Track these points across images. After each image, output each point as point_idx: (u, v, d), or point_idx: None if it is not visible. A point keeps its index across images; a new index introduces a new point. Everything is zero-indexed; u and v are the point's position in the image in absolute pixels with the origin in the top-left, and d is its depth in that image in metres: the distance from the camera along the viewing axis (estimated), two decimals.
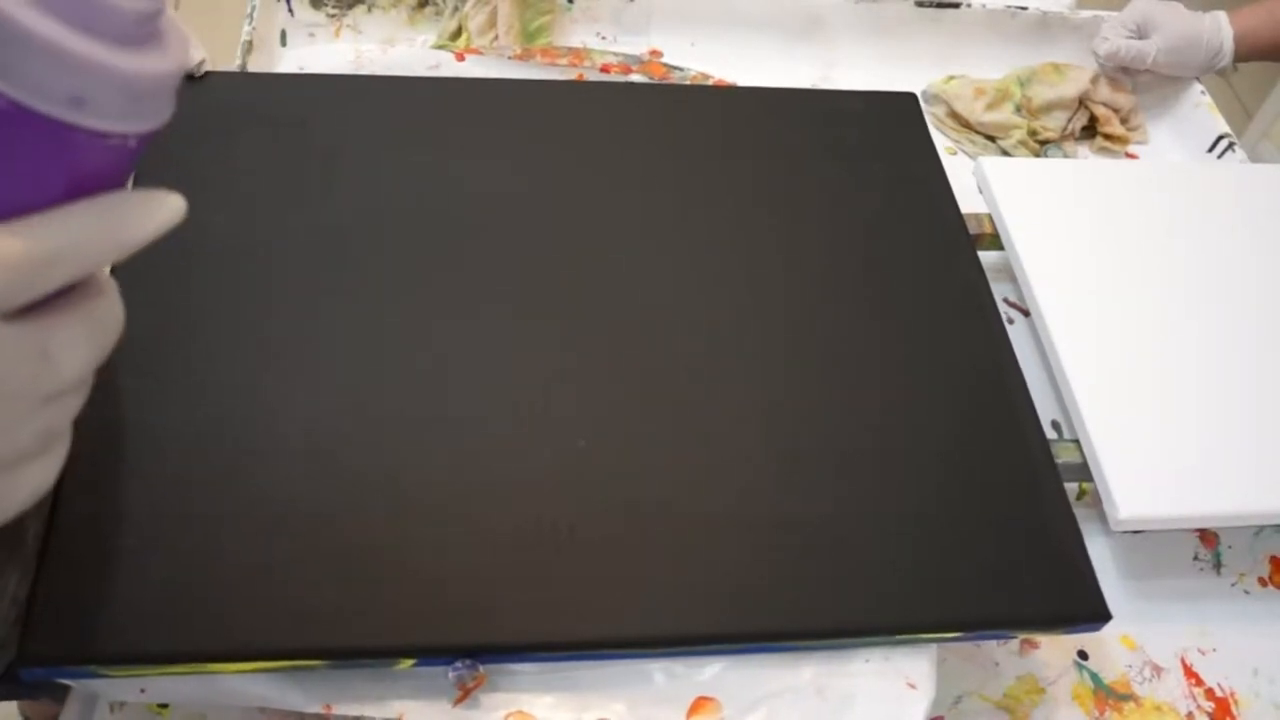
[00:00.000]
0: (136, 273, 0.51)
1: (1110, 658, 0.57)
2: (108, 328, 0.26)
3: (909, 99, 0.68)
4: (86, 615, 0.41)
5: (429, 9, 0.81)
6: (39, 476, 0.26)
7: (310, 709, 0.43)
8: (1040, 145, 0.83)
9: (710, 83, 0.81)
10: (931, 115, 0.84)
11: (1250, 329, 0.63)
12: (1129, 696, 0.55)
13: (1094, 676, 0.56)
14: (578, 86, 0.72)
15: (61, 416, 0.26)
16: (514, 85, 0.67)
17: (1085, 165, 0.79)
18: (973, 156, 0.81)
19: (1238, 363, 0.61)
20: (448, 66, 0.77)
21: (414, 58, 0.78)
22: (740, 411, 0.51)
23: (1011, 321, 0.69)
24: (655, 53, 0.83)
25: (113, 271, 0.50)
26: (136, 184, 0.57)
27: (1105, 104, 0.84)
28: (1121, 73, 0.85)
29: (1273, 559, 0.62)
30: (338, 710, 0.43)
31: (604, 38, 0.84)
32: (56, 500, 0.43)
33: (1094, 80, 0.83)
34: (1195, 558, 0.61)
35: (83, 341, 0.26)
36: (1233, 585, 0.61)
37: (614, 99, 0.66)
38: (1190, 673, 0.57)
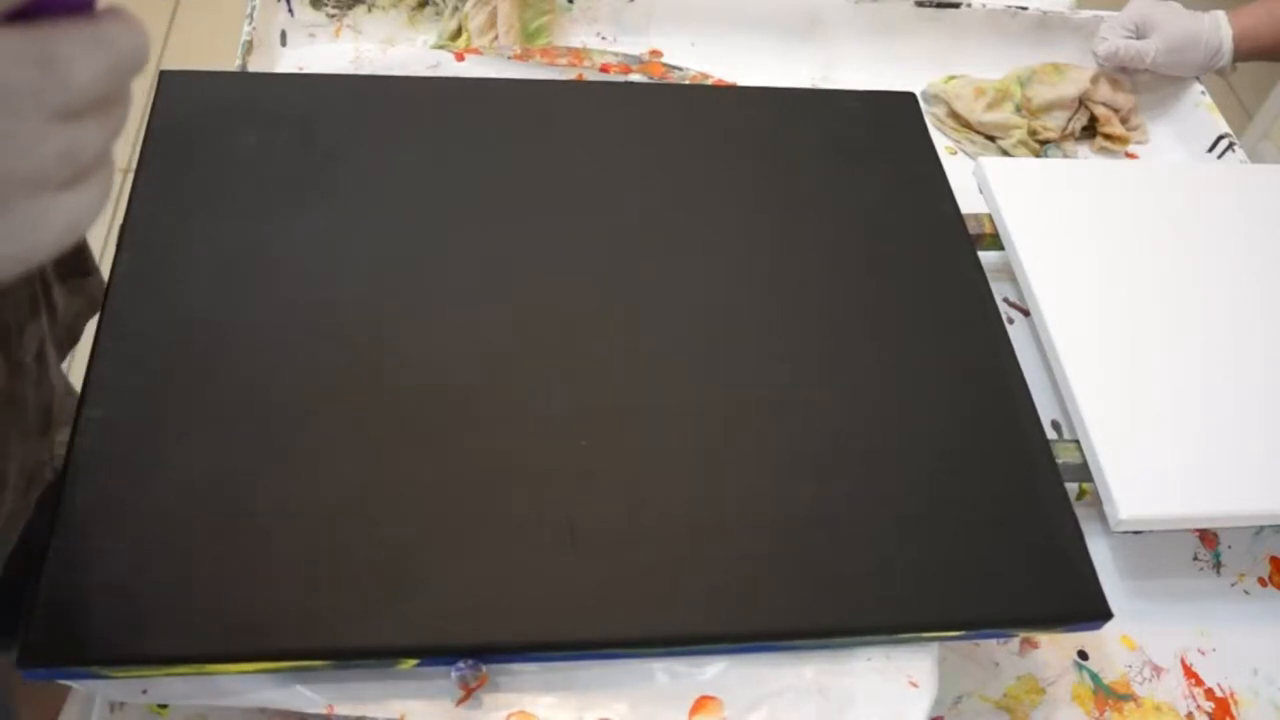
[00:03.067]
0: (137, 272, 0.51)
1: (1110, 658, 0.57)
2: (121, 48, 0.26)
3: (909, 99, 0.68)
4: (87, 616, 0.41)
5: (429, 9, 0.81)
6: (71, 211, 0.26)
7: (312, 709, 0.43)
8: (1040, 145, 0.83)
9: (710, 83, 0.81)
10: (931, 115, 0.84)
11: (1250, 329, 0.63)
12: (1129, 696, 0.55)
13: (1094, 676, 0.56)
14: (578, 86, 0.72)
15: (84, 141, 0.26)
16: (514, 85, 0.67)
17: (1085, 165, 0.79)
18: (973, 156, 0.81)
19: (1238, 363, 0.61)
20: (448, 66, 0.77)
21: (414, 58, 0.78)
22: (741, 411, 0.51)
23: (1011, 321, 0.69)
24: (655, 53, 0.83)
25: (113, 270, 0.50)
26: (138, 179, 0.57)
27: (1105, 104, 0.84)
28: (1121, 73, 0.85)
29: (1273, 559, 0.62)
30: (340, 710, 0.43)
31: (604, 38, 0.84)
32: (58, 500, 0.43)
33: (1094, 80, 0.83)
34: (1195, 558, 0.61)
35: (90, 52, 0.25)
36: (1233, 585, 0.61)
37: (614, 99, 0.66)
38: (1190, 673, 0.57)
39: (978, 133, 0.83)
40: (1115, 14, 0.86)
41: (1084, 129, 0.84)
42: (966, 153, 0.82)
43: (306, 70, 0.76)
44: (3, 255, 0.25)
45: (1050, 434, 0.54)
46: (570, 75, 0.80)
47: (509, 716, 0.44)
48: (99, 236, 1.36)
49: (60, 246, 0.26)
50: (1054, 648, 0.56)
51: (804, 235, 0.59)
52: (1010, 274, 0.68)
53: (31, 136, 0.25)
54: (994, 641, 0.56)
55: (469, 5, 0.80)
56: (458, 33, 0.80)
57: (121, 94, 0.27)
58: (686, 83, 0.81)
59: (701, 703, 0.45)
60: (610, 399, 0.50)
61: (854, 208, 0.61)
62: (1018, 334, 0.65)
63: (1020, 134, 0.82)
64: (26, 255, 0.26)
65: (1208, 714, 0.56)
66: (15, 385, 0.43)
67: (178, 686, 0.43)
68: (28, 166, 0.25)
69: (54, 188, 0.26)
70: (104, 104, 0.26)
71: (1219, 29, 0.82)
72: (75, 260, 0.53)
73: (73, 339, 0.48)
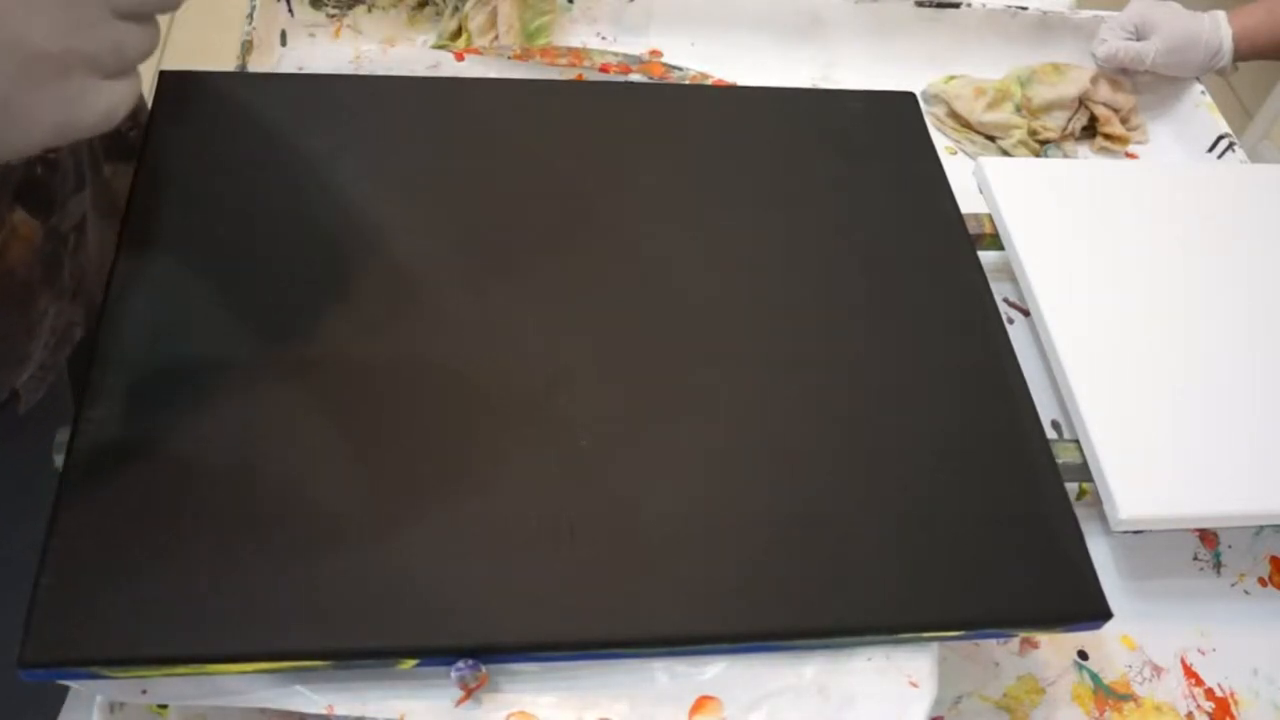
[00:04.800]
0: (138, 271, 0.51)
1: (1110, 658, 0.57)
2: None
3: (909, 99, 0.68)
4: (87, 617, 0.41)
5: (429, 9, 0.81)
6: (111, 97, 0.33)
7: (312, 709, 0.43)
8: (1040, 145, 0.83)
9: (710, 83, 0.81)
10: (931, 115, 0.84)
11: (1250, 329, 0.63)
12: (1129, 696, 0.55)
13: (1094, 676, 0.56)
14: (578, 86, 0.72)
15: (130, 39, 0.33)
16: (514, 85, 0.67)
17: (1085, 165, 0.79)
18: (973, 156, 0.81)
19: (1238, 362, 0.61)
20: (448, 66, 0.77)
21: (414, 58, 0.78)
22: (741, 411, 0.51)
23: (1011, 321, 0.69)
24: (655, 53, 0.83)
25: (113, 270, 0.50)
26: (138, 179, 0.58)
27: (1105, 104, 0.84)
28: (1121, 73, 0.85)
29: (1273, 559, 0.62)
30: (340, 710, 0.43)
31: (604, 38, 0.84)
32: (58, 500, 0.43)
33: (1094, 80, 0.84)
34: (1195, 558, 0.62)
35: None
36: (1233, 585, 0.61)
37: (614, 99, 0.66)
38: (1190, 673, 0.57)
39: (978, 133, 0.83)
40: (1115, 14, 0.86)
41: (1084, 129, 0.84)
42: (966, 153, 0.82)
43: (306, 70, 0.76)
44: (56, 120, 0.32)
45: (1050, 434, 0.54)
46: (570, 75, 0.80)
47: (509, 716, 0.44)
48: None
49: (100, 126, 0.33)
50: (1054, 648, 0.56)
51: (803, 235, 0.59)
52: (1010, 274, 0.68)
53: (96, 22, 0.31)
54: (994, 641, 0.56)
55: (469, 5, 0.80)
56: (458, 33, 0.80)
57: (154, 18, 0.34)
58: (686, 83, 0.81)
59: (701, 703, 0.45)
60: (610, 398, 0.50)
61: (854, 207, 0.61)
62: (1018, 334, 0.65)
63: (1020, 134, 0.82)
64: (74, 124, 0.32)
65: (1208, 714, 0.56)
66: (53, 248, 0.50)
67: (178, 686, 0.43)
68: (88, 47, 0.31)
69: (102, 74, 0.32)
70: (146, 18, 0.33)
71: (1219, 29, 0.82)
72: (124, 144, 0.60)
73: (117, 211, 0.56)
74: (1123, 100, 0.84)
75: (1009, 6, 0.86)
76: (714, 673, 0.45)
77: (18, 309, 0.49)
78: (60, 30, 0.31)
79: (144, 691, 0.43)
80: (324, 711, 0.43)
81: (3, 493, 0.47)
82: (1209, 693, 0.56)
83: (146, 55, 0.34)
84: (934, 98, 0.85)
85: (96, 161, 0.56)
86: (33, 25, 0.30)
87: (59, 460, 0.45)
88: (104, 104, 0.32)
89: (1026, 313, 0.68)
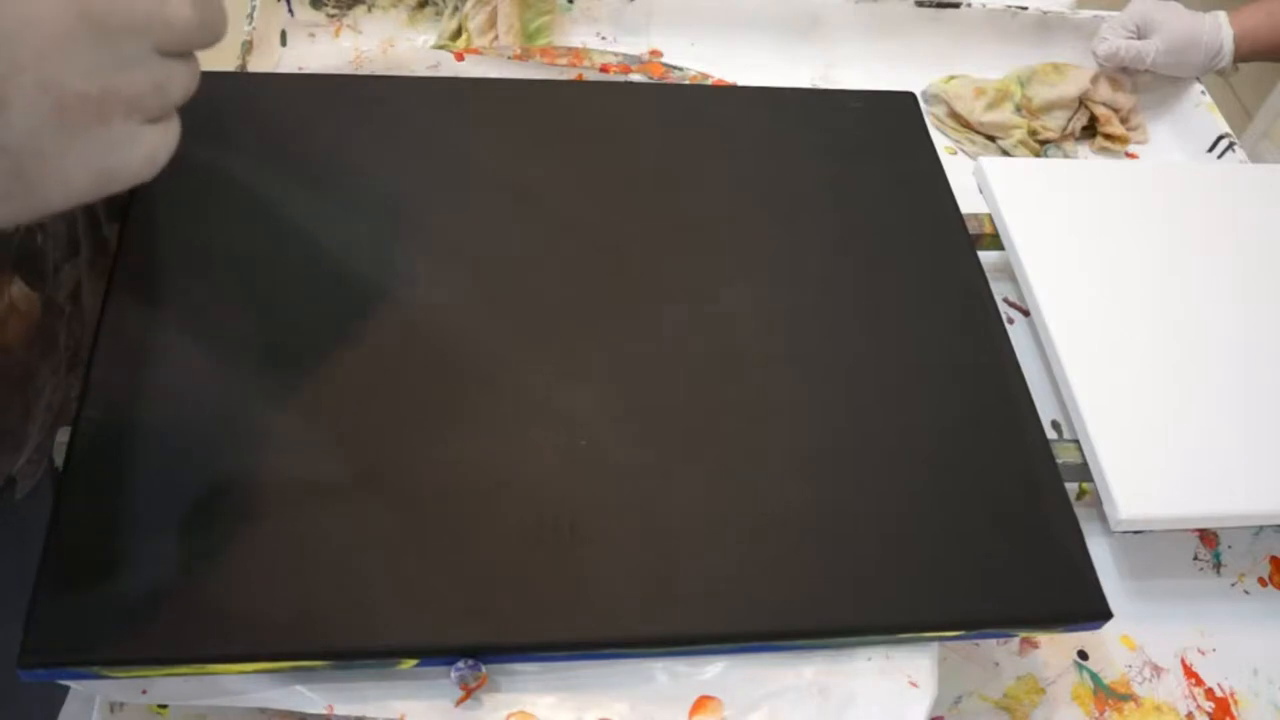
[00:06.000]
0: (137, 272, 0.51)
1: (1110, 658, 0.57)
2: (212, 5, 0.30)
3: (909, 99, 0.68)
4: (87, 616, 0.41)
5: (429, 9, 0.81)
6: (153, 143, 0.30)
7: (312, 709, 0.43)
8: (1040, 145, 0.83)
9: (710, 83, 0.81)
10: (931, 115, 0.84)
11: (1250, 329, 0.63)
12: (1129, 696, 0.55)
13: (1094, 676, 0.56)
14: (578, 86, 0.72)
15: (173, 79, 0.30)
16: (514, 85, 0.67)
17: (1085, 165, 0.79)
18: (973, 156, 0.81)
19: (1238, 363, 0.61)
20: (448, 66, 0.77)
21: (414, 58, 0.78)
22: (740, 410, 0.51)
23: (1011, 321, 0.69)
24: (655, 53, 0.83)
25: (112, 271, 0.50)
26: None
27: (1105, 104, 0.84)
28: (1121, 73, 0.85)
29: (1273, 559, 0.62)
30: (340, 710, 0.43)
31: (604, 38, 0.84)
32: (58, 500, 0.43)
33: (1094, 80, 0.84)
34: (1195, 558, 0.62)
35: (190, 5, 0.29)
36: (1233, 585, 0.61)
37: (614, 99, 0.66)
38: (1190, 673, 0.57)
39: (978, 133, 0.83)
40: (1115, 14, 0.86)
41: (1084, 129, 0.84)
42: (966, 153, 0.82)
43: (306, 70, 0.76)
44: (96, 170, 0.28)
45: (1050, 434, 0.54)
46: (570, 75, 0.80)
47: (509, 716, 0.44)
48: None
49: (140, 175, 0.30)
50: (1054, 648, 0.56)
51: (803, 235, 0.59)
52: (1010, 274, 0.68)
53: (138, 61, 0.28)
54: (994, 641, 0.56)
55: (469, 5, 0.80)
56: (458, 33, 0.80)
57: (195, 54, 0.31)
58: (686, 83, 0.81)
59: (701, 703, 0.45)
60: (610, 398, 0.50)
61: (854, 207, 0.61)
62: (1018, 334, 0.65)
63: (1020, 134, 0.82)
64: (115, 173, 0.29)
65: (1208, 714, 0.56)
66: (49, 320, 0.46)
67: (178, 686, 0.43)
68: (130, 88, 0.28)
69: (144, 117, 0.29)
70: (188, 55, 0.30)
71: (1219, 29, 0.83)
72: (122, 205, 0.57)
73: None
74: (1123, 100, 0.84)
75: (1009, 6, 0.86)
76: (714, 673, 0.45)
77: (16, 390, 0.45)
78: (99, 69, 0.27)
79: (144, 691, 0.43)
80: (324, 711, 0.43)
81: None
82: (1209, 693, 0.56)
83: (189, 95, 0.30)
84: (934, 98, 0.85)
85: (95, 223, 0.52)
86: (70, 64, 0.27)
87: (59, 460, 0.45)
88: (145, 150, 0.29)
89: (1026, 313, 0.68)
